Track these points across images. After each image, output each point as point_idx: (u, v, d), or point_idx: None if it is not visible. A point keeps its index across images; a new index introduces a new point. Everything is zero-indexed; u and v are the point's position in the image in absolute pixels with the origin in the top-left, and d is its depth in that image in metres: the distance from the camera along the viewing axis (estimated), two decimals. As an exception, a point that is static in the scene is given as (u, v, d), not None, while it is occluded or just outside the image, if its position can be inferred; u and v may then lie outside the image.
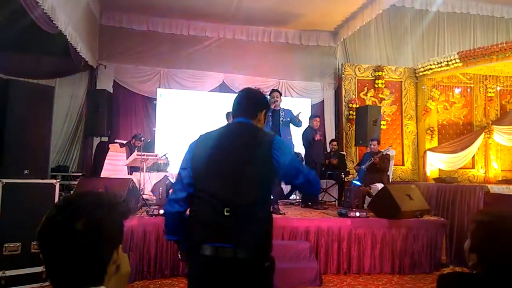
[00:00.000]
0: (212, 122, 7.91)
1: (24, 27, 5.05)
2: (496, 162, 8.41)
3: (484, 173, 8.37)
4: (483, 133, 8.22)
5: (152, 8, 7.64)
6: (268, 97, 5.31)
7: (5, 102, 3.90)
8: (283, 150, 1.68)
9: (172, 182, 5.06)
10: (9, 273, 3.69)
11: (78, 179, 5.54)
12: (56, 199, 4.05)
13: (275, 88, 5.56)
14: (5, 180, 3.70)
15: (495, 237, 1.11)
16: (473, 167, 8.41)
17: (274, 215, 4.84)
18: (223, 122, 7.98)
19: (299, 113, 5.46)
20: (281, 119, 5.31)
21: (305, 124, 6.18)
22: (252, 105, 1.87)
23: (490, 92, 8.48)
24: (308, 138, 6.24)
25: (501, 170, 8.40)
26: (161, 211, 4.55)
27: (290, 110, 5.45)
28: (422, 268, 4.79)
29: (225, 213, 1.57)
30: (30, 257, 3.83)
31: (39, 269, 3.89)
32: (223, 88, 8.52)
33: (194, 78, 8.38)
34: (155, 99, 7.98)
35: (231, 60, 8.44)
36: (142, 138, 6.50)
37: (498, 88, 8.52)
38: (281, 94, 5.46)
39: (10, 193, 3.72)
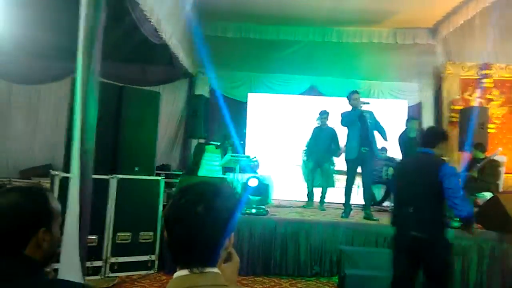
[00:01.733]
0: (301, 125, 7.95)
1: (134, 39, 5.63)
2: None
3: None
4: None
5: (246, 15, 7.93)
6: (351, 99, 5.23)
7: (119, 107, 4.39)
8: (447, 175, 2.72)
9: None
10: (121, 259, 4.12)
11: (179, 177, 5.99)
12: (162, 194, 4.42)
13: (354, 90, 5.41)
14: (119, 176, 4.15)
15: None
16: None
17: (367, 221, 4.74)
18: (312, 124, 7.99)
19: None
20: (368, 121, 5.17)
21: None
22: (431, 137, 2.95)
23: None
24: (405, 140, 5.90)
25: None
26: (253, 210, 4.71)
27: (372, 113, 5.29)
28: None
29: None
30: (138, 246, 4.23)
31: (146, 257, 4.29)
32: (312, 91, 8.48)
33: (283, 82, 8.50)
34: (246, 103, 8.26)
35: (320, 63, 8.36)
36: (230, 140, 6.87)
37: None
38: (359, 95, 5.33)
39: (123, 188, 4.16)
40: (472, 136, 6.67)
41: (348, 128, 5.27)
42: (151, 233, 4.31)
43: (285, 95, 8.30)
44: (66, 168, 3.57)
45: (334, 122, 6.08)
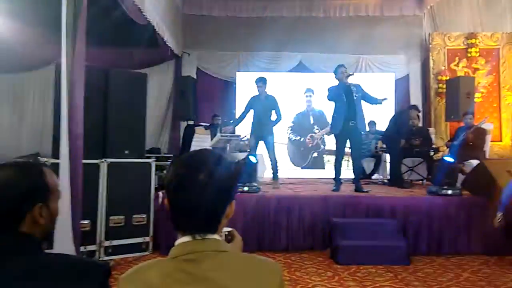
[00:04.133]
0: (290, 102, 7.96)
1: (117, 20, 5.52)
2: None
3: None
4: None
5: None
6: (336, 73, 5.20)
7: (106, 90, 4.34)
8: None
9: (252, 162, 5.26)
10: (115, 242, 4.15)
11: (170, 160, 5.99)
12: (153, 177, 4.44)
13: (341, 64, 5.37)
14: (109, 160, 4.14)
15: None
16: None
17: (358, 193, 4.81)
18: (302, 101, 8.00)
19: (385, 99, 5.23)
20: (354, 95, 5.12)
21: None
22: None
23: None
24: (407, 124, 6.11)
25: None
26: (245, 188, 4.75)
27: (359, 85, 5.25)
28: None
29: None
30: (132, 228, 4.26)
31: (140, 239, 4.33)
32: (301, 68, 8.46)
33: (271, 60, 8.45)
34: (234, 82, 8.22)
35: (308, 39, 8.31)
36: (218, 119, 6.88)
37: None
38: (346, 69, 5.27)
39: (114, 171, 4.15)
40: (459, 105, 6.75)
41: (335, 103, 5.25)
42: (144, 216, 4.34)
43: (274, 72, 8.26)
44: (55, 154, 3.55)
45: (323, 98, 6.06)
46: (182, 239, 0.96)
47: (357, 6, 8.29)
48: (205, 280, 0.90)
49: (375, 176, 6.97)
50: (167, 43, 6.64)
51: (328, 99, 5.31)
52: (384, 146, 6.65)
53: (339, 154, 5.29)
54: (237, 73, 8.26)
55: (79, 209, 3.37)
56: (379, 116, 7.09)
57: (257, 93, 5.71)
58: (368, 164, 6.98)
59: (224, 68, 8.42)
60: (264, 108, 5.63)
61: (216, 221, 0.99)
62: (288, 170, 7.60)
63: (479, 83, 7.59)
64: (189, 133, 6.77)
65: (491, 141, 7.00)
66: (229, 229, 1.24)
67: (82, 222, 3.55)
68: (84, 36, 3.38)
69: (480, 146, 5.75)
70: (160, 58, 7.66)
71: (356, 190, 5.10)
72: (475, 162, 5.21)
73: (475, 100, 7.21)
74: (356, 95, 5.12)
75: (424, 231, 4.43)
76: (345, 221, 4.35)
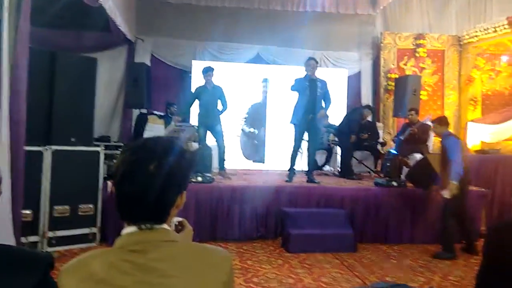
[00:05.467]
0: (247, 93, 7.97)
1: (68, 2, 5.22)
2: (545, 134, 7.96)
3: (532, 145, 7.96)
4: (532, 104, 7.78)
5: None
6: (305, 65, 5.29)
7: (52, 74, 4.09)
8: None
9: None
10: (59, 233, 3.97)
11: (120, 149, 5.80)
12: (101, 166, 4.28)
13: (312, 57, 5.49)
14: (54, 147, 3.94)
15: None
16: (518, 139, 8.02)
17: (309, 184, 4.93)
18: (259, 92, 8.01)
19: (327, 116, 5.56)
20: (318, 90, 5.25)
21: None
22: None
23: (541, 60, 7.95)
24: (359, 121, 6.44)
25: (550, 143, 7.95)
26: (199, 178, 4.71)
27: (326, 83, 5.37)
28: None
29: None
30: (78, 219, 4.10)
31: (87, 230, 4.17)
32: (258, 60, 8.48)
33: (229, 51, 8.40)
34: (190, 71, 8.07)
35: (266, 31, 8.33)
36: (174, 108, 6.75)
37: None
38: (317, 63, 5.37)
39: (59, 160, 3.95)
40: (406, 102, 7.11)
41: (298, 94, 5.31)
42: (91, 206, 4.18)
43: (231, 63, 8.21)
44: (-7, 140, 3.31)
45: (283, 90, 6.10)
46: (129, 229, 0.93)
47: (314, 2, 8.41)
48: (151, 271, 0.87)
49: (326, 168, 7.18)
50: (120, 28, 6.38)
51: (291, 89, 5.34)
52: (336, 139, 6.88)
53: (295, 145, 5.38)
54: (193, 62, 8.11)
55: (20, 198, 3.18)
56: (330, 110, 7.28)
57: (203, 83, 5.69)
58: (320, 157, 7.17)
59: (180, 56, 8.24)
60: (211, 98, 5.64)
61: (165, 212, 0.96)
62: (239, 163, 7.64)
63: (425, 82, 8.01)
64: (142, 122, 6.60)
65: (435, 137, 7.44)
66: (180, 219, 1.22)
67: (23, 212, 3.37)
68: (28, 15, 3.16)
69: (423, 141, 6.09)
70: (112, 43, 7.35)
71: (308, 181, 5.22)
72: (418, 156, 5.51)
73: (421, 97, 7.61)
74: (320, 91, 5.23)
75: (371, 221, 4.65)
76: (296, 211, 4.46)
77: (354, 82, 8.34)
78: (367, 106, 7.03)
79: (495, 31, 7.24)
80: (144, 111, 7.16)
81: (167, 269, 0.88)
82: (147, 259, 0.88)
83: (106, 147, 4.84)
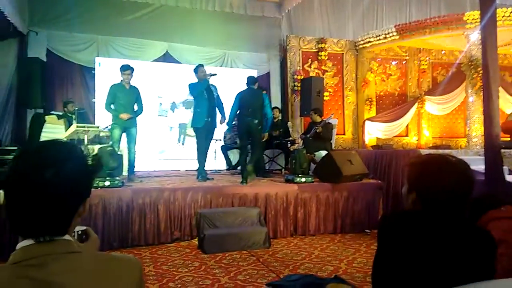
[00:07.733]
0: (156, 92, 7.71)
1: None
2: (427, 130, 9.12)
3: (417, 140, 9.06)
4: (416, 103, 8.86)
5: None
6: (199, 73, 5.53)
7: None
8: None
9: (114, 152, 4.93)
10: None
11: (13, 153, 5.19)
12: (-10, 173, 3.78)
13: (200, 64, 5.72)
14: None
15: (428, 174, 1.26)
16: (407, 135, 9.07)
17: (222, 184, 4.96)
18: (167, 91, 7.84)
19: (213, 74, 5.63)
20: (214, 93, 5.63)
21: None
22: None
23: (423, 65, 9.09)
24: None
25: (432, 137, 9.15)
26: (106, 183, 4.43)
27: (216, 87, 5.76)
28: (362, 227, 5.16)
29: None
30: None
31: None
32: (167, 58, 8.26)
33: (135, 47, 8.03)
34: (94, 68, 7.53)
35: (174, 29, 8.15)
36: (73, 105, 6.22)
37: (431, 61, 9.16)
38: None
39: None
40: (311, 102, 7.55)
41: (196, 98, 5.54)
42: (-21, 219, 3.68)
43: (138, 61, 7.84)
44: None
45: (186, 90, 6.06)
46: (24, 243, 0.84)
47: (223, 2, 8.45)
48: (52, 286, 0.80)
49: (240, 168, 7.28)
50: (8, 18, 5.70)
51: (191, 95, 5.63)
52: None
53: (201, 146, 5.54)
54: (97, 58, 7.58)
55: None
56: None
57: (118, 81, 5.37)
58: (234, 156, 7.26)
59: (80, 52, 7.62)
60: (129, 98, 5.39)
61: (65, 223, 0.88)
62: (151, 162, 7.41)
63: (327, 83, 8.60)
64: (38, 123, 5.99)
65: (336, 134, 8.03)
66: (83, 227, 1.13)
67: None
68: None
69: (328, 139, 6.53)
70: (0, 35, 6.54)
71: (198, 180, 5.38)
72: (323, 152, 5.90)
73: (324, 98, 8.16)
74: (215, 94, 5.64)
75: (283, 216, 4.84)
76: (210, 211, 4.46)
77: (264, 82, 8.59)
78: (275, 107, 7.33)
79: (386, 37, 8.05)
80: (40, 111, 6.50)
81: (70, 283, 0.82)
82: (47, 273, 0.81)
83: (-5, 152, 4.30)
